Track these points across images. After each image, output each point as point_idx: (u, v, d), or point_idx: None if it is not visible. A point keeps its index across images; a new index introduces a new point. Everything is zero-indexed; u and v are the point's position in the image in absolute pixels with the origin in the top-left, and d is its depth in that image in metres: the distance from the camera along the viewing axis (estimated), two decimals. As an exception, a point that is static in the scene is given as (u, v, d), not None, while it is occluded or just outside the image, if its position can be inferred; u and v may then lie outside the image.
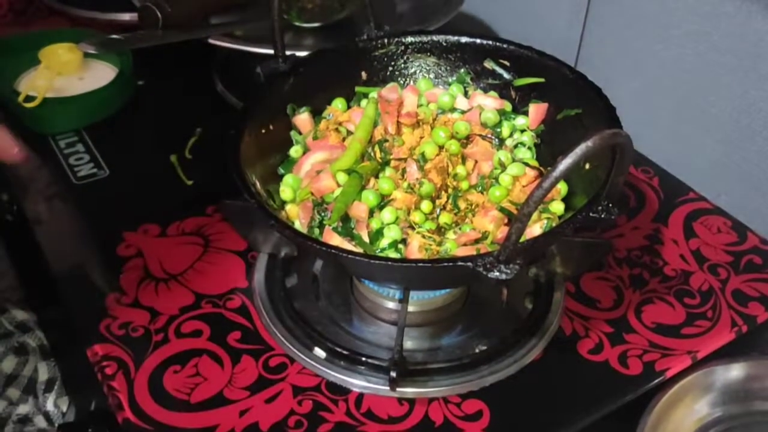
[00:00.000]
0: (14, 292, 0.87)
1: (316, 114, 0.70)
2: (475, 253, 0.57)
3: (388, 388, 0.60)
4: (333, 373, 0.62)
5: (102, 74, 0.95)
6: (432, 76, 0.73)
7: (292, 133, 0.69)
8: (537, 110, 0.69)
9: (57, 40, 0.96)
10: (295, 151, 0.67)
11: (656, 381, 0.63)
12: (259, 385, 0.62)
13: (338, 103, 0.70)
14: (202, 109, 0.96)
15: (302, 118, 0.68)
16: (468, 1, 0.98)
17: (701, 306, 0.70)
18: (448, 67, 0.73)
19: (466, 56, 0.72)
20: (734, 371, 0.63)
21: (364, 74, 0.73)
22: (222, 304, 0.69)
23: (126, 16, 1.05)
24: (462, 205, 0.62)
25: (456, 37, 0.72)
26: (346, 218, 0.60)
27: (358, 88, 0.72)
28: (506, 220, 0.60)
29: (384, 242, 0.59)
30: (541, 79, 0.69)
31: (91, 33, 0.99)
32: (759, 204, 0.83)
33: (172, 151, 0.87)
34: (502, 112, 0.69)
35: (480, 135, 0.66)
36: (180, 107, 0.97)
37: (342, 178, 0.61)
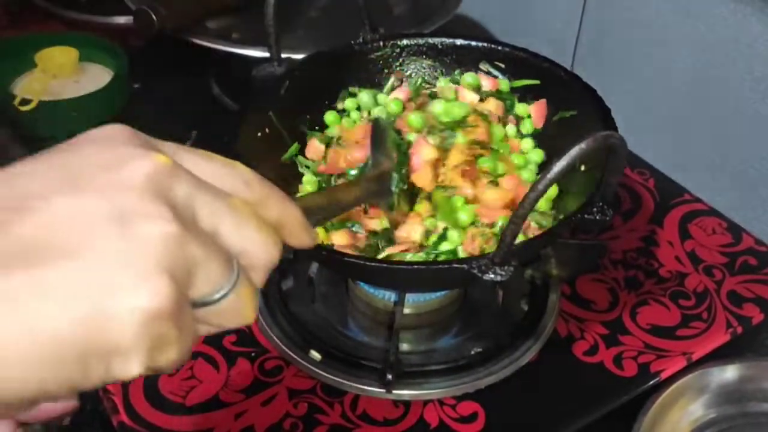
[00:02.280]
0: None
1: (313, 124, 0.70)
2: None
3: (383, 390, 0.60)
4: (328, 375, 0.62)
5: (97, 77, 0.95)
6: (427, 78, 0.74)
7: (299, 158, 0.68)
8: (537, 108, 0.69)
9: (53, 43, 0.96)
10: (308, 182, 0.66)
11: (651, 382, 0.63)
12: (254, 388, 0.62)
13: (330, 117, 0.70)
14: (198, 112, 0.96)
15: (315, 145, 0.68)
16: (465, 3, 0.98)
17: (696, 307, 0.70)
18: (444, 70, 0.73)
19: (461, 58, 0.72)
20: (729, 372, 0.63)
21: (359, 77, 0.73)
22: (218, 307, 0.69)
23: (121, 20, 1.05)
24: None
25: (451, 40, 0.72)
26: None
27: (351, 89, 0.72)
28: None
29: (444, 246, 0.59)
30: (537, 81, 0.69)
31: (87, 36, 0.99)
32: (754, 205, 0.83)
33: (168, 153, 0.87)
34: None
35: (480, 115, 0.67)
36: (176, 110, 0.97)
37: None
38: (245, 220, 0.29)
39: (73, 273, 0.24)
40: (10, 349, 0.23)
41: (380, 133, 0.58)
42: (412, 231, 0.59)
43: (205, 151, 0.31)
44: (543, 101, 0.68)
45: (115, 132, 0.29)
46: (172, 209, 0.26)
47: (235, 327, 0.30)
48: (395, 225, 0.60)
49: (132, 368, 0.25)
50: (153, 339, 0.25)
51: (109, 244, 0.25)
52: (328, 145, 0.68)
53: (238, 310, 0.29)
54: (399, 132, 0.66)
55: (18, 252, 0.24)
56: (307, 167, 0.68)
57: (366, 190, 0.53)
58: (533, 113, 0.69)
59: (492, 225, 0.59)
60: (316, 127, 0.70)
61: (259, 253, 0.30)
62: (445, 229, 0.58)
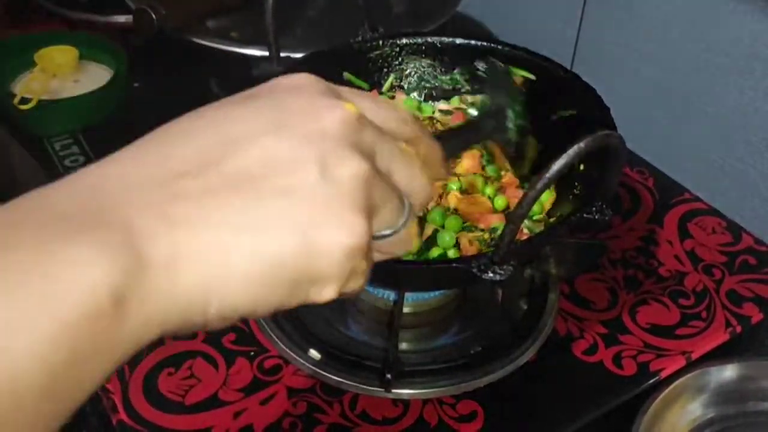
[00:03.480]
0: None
1: None
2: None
3: (382, 389, 0.60)
4: (327, 374, 0.62)
5: (97, 76, 0.95)
6: (426, 77, 0.74)
7: None
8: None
9: (53, 42, 0.96)
10: None
11: (651, 382, 0.63)
12: (253, 387, 0.62)
13: None
14: (198, 111, 0.96)
15: None
16: (464, 2, 0.98)
17: (696, 306, 0.70)
18: (443, 68, 0.73)
19: (460, 58, 0.72)
20: (728, 372, 0.63)
21: (358, 76, 0.73)
22: (217, 306, 0.69)
23: (122, 19, 1.05)
24: None
25: (450, 39, 0.72)
26: None
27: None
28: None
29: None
30: (532, 77, 0.69)
31: (87, 35, 0.99)
32: (754, 204, 0.83)
33: (168, 153, 0.87)
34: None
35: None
36: (176, 109, 0.96)
37: None
38: (412, 163, 0.33)
39: (286, 207, 0.27)
40: (237, 269, 0.26)
41: (495, 73, 0.59)
42: None
43: (373, 95, 0.35)
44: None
45: (304, 81, 0.32)
46: (361, 154, 0.29)
47: (402, 254, 0.34)
48: (507, 162, 0.62)
49: (328, 293, 0.29)
50: (349, 270, 0.29)
51: (315, 185, 0.28)
52: None
53: (407, 240, 0.33)
54: (510, 72, 0.66)
55: (234, 183, 0.27)
56: None
57: (484, 128, 0.55)
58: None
59: (492, 230, 0.59)
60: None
61: (422, 191, 0.34)
62: (435, 231, 0.58)
